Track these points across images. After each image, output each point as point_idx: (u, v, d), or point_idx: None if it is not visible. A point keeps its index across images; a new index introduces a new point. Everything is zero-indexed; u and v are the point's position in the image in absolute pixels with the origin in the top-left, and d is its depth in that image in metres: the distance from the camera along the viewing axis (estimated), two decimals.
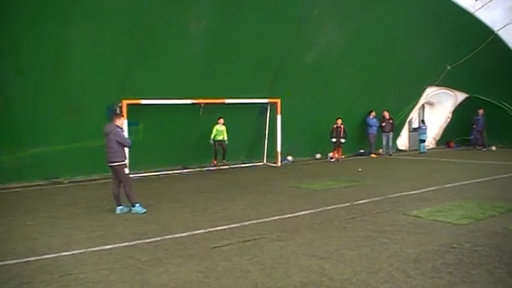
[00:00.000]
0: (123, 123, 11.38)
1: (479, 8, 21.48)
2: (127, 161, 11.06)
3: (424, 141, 25.11)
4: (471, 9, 21.46)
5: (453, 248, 7.59)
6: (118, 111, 14.26)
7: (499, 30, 22.66)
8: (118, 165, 10.71)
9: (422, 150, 24.84)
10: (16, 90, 13.90)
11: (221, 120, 17.94)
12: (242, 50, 17.23)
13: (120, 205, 10.85)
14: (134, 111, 15.64)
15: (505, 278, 6.33)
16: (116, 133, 10.69)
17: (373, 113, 22.86)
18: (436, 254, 7.29)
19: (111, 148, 10.68)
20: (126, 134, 11.70)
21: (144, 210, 10.71)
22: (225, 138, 18.03)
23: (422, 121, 25.94)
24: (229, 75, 17.44)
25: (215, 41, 16.47)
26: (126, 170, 10.86)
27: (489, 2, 21.21)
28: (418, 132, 25.68)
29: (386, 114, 23.02)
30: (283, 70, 18.79)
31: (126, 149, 11.07)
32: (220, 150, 18.16)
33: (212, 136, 17.90)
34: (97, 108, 15.24)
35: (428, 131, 25.59)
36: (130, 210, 10.78)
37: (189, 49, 16.26)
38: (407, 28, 20.78)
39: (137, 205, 10.77)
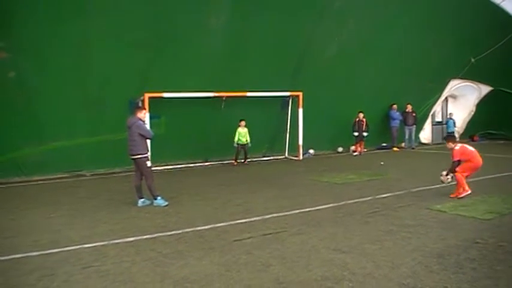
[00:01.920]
0: (145, 116, 11.36)
1: None
2: (149, 154, 11.07)
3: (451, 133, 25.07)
4: (496, 0, 21.10)
5: (477, 243, 7.48)
6: (140, 105, 14.26)
7: None
8: (140, 157, 10.76)
9: None
10: (38, 85, 14.07)
11: (243, 123, 17.81)
12: (263, 44, 17.18)
13: (141, 198, 10.90)
14: (156, 104, 15.68)
15: None
16: (138, 126, 10.75)
17: (395, 106, 22.64)
18: (460, 249, 7.19)
19: (134, 141, 10.74)
20: (148, 126, 11.65)
21: (166, 203, 10.76)
22: (248, 140, 17.94)
23: (450, 115, 25.76)
24: (251, 69, 17.41)
25: (236, 34, 16.46)
26: (149, 163, 10.87)
27: None
28: (446, 125, 25.67)
29: (409, 107, 22.77)
30: (304, 63, 18.69)
31: (148, 142, 11.17)
32: (242, 152, 18.06)
33: (236, 140, 17.81)
34: (118, 102, 15.29)
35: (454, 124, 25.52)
36: (152, 203, 10.82)
37: (210, 43, 16.25)
38: (430, 20, 20.50)
39: (159, 198, 10.82)
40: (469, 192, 11.03)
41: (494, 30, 22.05)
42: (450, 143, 11.42)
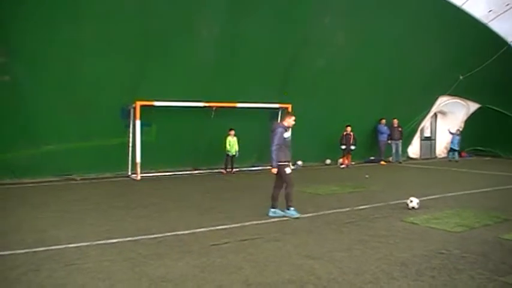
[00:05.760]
0: (290, 123, 10.90)
1: (493, 19, 21.67)
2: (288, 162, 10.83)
3: (455, 150, 25.86)
4: (484, 20, 21.65)
5: (441, 253, 7.88)
6: (289, 111, 12.55)
7: None
8: (280, 164, 10.59)
9: (451, 158, 25.83)
10: (31, 89, 14.49)
11: (232, 132, 18.23)
12: (253, 55, 17.64)
13: (274, 207, 10.79)
14: (147, 113, 16.14)
15: (486, 283, 6.59)
16: (274, 133, 10.66)
17: (384, 121, 23.11)
18: (423, 258, 7.59)
19: None
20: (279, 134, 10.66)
21: (298, 215, 10.58)
22: (237, 149, 18.35)
23: (457, 131, 26.29)
24: (241, 80, 17.87)
25: (227, 45, 16.94)
26: (288, 170, 10.63)
27: (502, 13, 21.36)
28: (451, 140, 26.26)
29: (395, 122, 23.25)
30: (294, 76, 19.15)
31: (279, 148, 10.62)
32: (229, 161, 18.45)
33: (228, 148, 18.16)
34: (110, 108, 15.84)
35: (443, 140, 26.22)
36: (282, 214, 10.67)
37: (201, 53, 16.74)
38: (420, 37, 20.96)
39: (292, 209, 10.63)
40: None
41: (482, 49, 22.52)
42: None
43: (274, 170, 10.63)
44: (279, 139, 10.56)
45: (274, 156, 10.51)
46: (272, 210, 10.78)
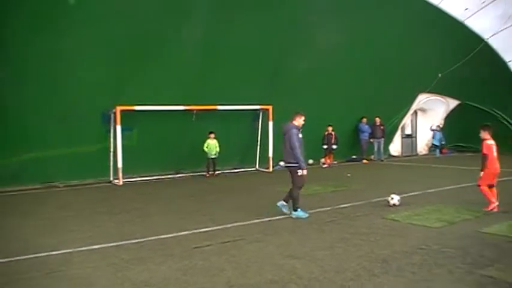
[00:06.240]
0: (301, 123, 10.92)
1: (469, 17, 21.95)
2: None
3: (436, 146, 26.26)
4: (461, 18, 21.92)
5: (421, 249, 7.99)
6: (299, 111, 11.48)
7: (488, 38, 23.11)
8: (290, 166, 10.75)
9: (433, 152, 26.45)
10: (12, 96, 14.36)
11: (212, 135, 18.25)
12: (234, 58, 17.68)
13: (285, 201, 10.97)
14: (128, 117, 16.09)
15: (464, 276, 6.71)
16: (290, 134, 10.62)
17: (365, 120, 23.31)
18: (404, 254, 7.70)
19: (285, 149, 10.73)
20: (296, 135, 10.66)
21: (307, 215, 10.68)
22: (217, 150, 18.34)
23: (437, 127, 26.76)
24: (222, 82, 17.86)
25: (208, 48, 16.95)
26: (300, 172, 10.67)
27: (479, 10, 21.65)
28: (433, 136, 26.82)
29: (377, 121, 23.45)
30: (275, 77, 19.21)
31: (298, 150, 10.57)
32: (211, 164, 18.46)
33: (207, 150, 18.18)
34: (91, 114, 15.77)
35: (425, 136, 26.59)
36: (290, 212, 10.84)
37: (182, 56, 16.72)
38: (399, 36, 21.19)
39: (299, 210, 10.75)
40: (496, 203, 11.13)
41: (460, 47, 22.82)
42: (486, 134, 11.40)
43: (305, 171, 10.73)
44: (298, 140, 10.60)
45: (301, 157, 10.57)
46: (280, 202, 10.97)
